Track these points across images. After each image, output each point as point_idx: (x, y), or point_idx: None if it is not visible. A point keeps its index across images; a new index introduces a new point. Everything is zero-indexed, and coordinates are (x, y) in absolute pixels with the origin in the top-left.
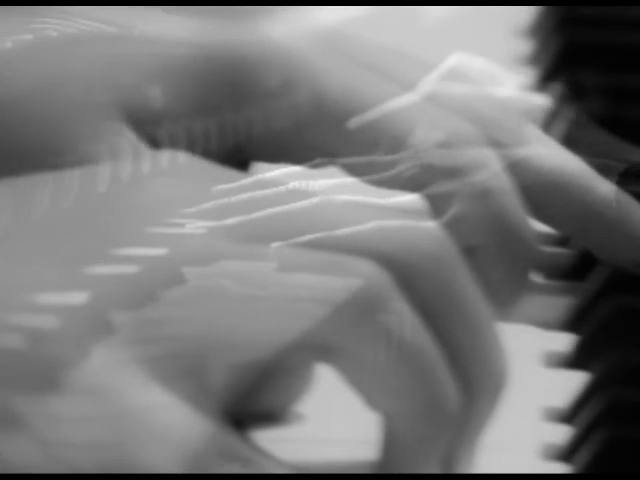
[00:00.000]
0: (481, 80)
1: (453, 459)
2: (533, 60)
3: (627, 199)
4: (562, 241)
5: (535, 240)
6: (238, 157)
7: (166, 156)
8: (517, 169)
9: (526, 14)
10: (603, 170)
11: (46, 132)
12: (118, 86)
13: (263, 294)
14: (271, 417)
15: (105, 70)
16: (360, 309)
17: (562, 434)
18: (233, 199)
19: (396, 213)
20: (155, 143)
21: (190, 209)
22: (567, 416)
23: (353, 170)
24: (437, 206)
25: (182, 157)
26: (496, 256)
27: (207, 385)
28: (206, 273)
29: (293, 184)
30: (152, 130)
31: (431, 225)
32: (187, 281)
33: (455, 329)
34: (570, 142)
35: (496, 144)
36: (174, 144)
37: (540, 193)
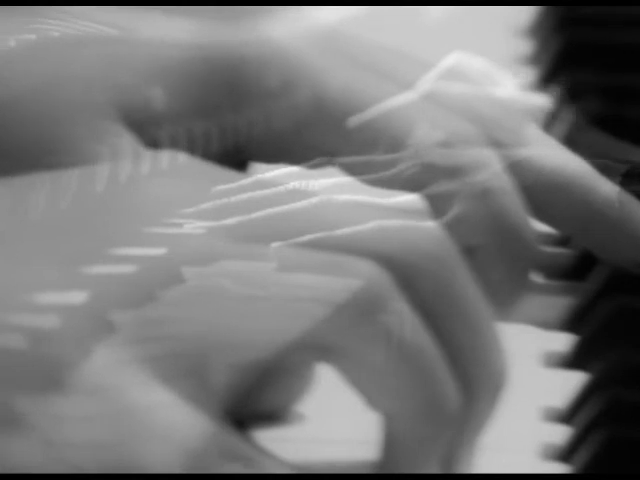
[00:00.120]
0: (481, 80)
1: (453, 459)
2: (533, 60)
3: (629, 199)
4: (562, 241)
5: (535, 240)
6: (238, 157)
7: (165, 156)
8: (518, 169)
9: (526, 14)
10: (603, 170)
11: (45, 132)
12: (117, 87)
13: (263, 294)
14: (272, 417)
15: (104, 71)
16: (360, 309)
17: (561, 434)
18: (232, 199)
19: (396, 213)
20: (155, 144)
21: (189, 209)
22: (566, 416)
23: (353, 170)
24: (437, 206)
25: (181, 158)
26: (496, 256)
27: (208, 385)
28: (206, 273)
29: (293, 184)
30: (152, 131)
31: (431, 225)
32: (187, 281)
33: (455, 329)
34: (570, 142)
35: (496, 144)
36: (174, 145)
37: (541, 193)
